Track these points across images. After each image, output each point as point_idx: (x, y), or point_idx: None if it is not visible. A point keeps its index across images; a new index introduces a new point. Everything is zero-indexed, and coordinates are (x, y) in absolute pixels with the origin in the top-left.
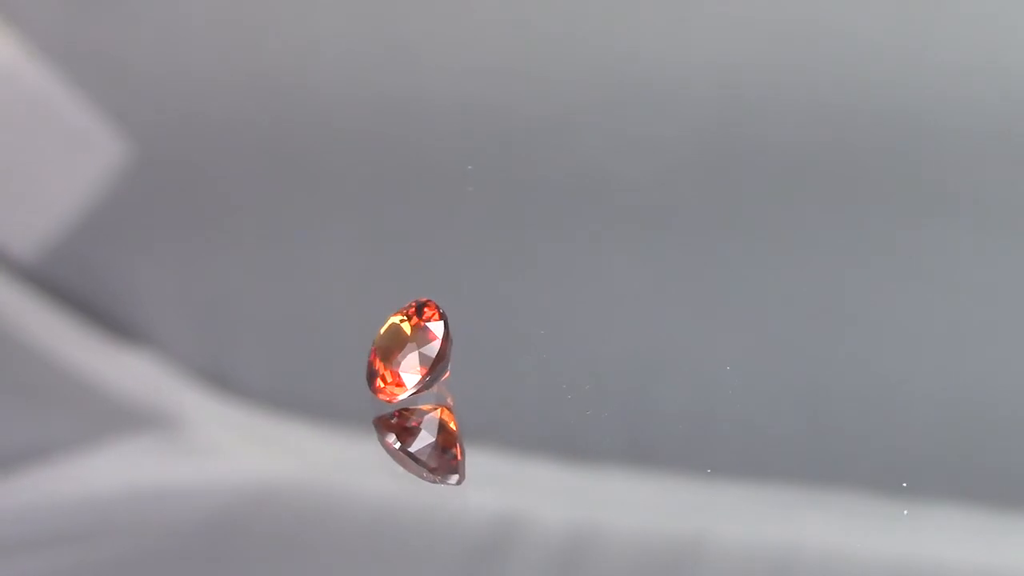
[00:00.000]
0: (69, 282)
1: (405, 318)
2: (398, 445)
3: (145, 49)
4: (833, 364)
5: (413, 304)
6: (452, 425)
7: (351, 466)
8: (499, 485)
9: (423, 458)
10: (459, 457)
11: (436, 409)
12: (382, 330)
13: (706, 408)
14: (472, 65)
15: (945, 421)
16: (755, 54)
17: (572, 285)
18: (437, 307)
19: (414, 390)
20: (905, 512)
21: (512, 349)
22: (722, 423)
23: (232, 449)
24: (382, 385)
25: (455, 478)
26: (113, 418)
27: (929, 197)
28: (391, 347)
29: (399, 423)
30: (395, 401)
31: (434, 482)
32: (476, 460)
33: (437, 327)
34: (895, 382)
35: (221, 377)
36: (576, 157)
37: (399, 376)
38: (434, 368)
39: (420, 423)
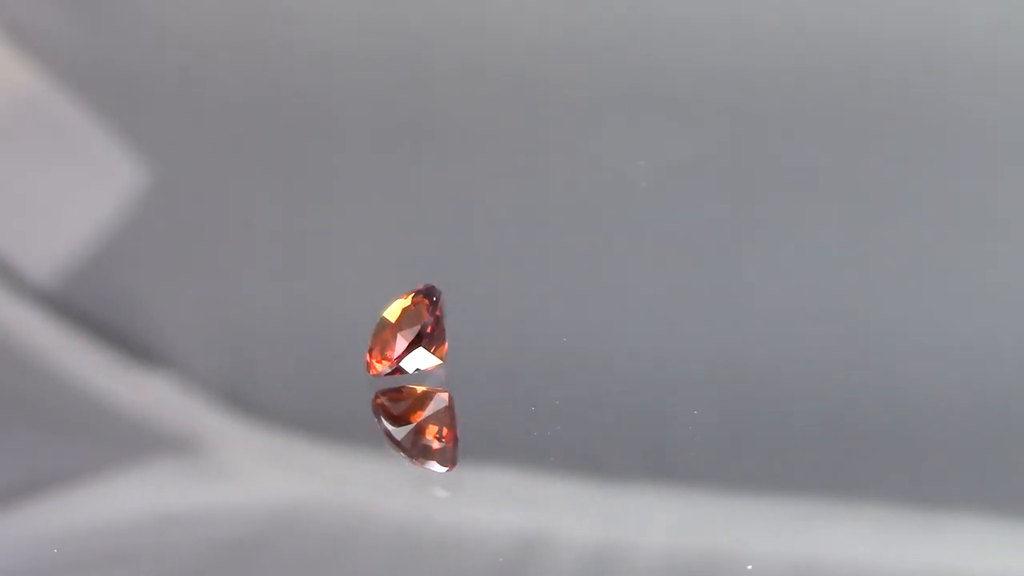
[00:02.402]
0: (89, 307)
1: (407, 298)
2: (385, 427)
3: (163, 76)
4: (855, 376)
5: (418, 287)
6: (448, 411)
7: (373, 485)
8: (523, 503)
9: (402, 442)
10: (450, 445)
11: (434, 393)
12: (388, 308)
13: (728, 422)
14: (485, 63)
15: (968, 431)
16: (770, 25)
17: (591, 295)
18: (435, 292)
19: (391, 367)
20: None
21: (533, 367)
22: (744, 437)
23: (254, 471)
24: (369, 359)
25: (439, 466)
26: (135, 442)
27: (952, 203)
28: (385, 324)
29: (393, 402)
30: (378, 375)
31: (418, 466)
32: (499, 479)
33: (429, 309)
34: (918, 393)
35: (242, 399)
36: (591, 153)
37: (380, 352)
38: (412, 348)
39: (412, 406)
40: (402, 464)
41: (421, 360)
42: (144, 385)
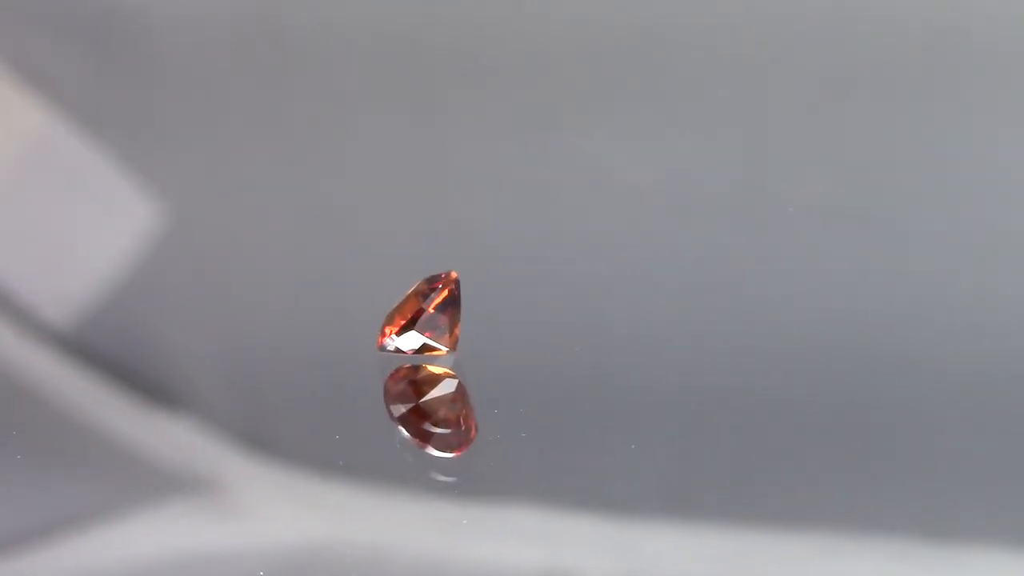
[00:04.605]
0: (106, 348)
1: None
2: (388, 406)
3: (178, 114)
4: (873, 405)
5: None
6: (454, 397)
7: (393, 525)
8: (540, 540)
9: (400, 421)
10: (454, 431)
11: (443, 377)
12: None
13: (745, 454)
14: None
15: (993, 458)
16: None
17: (606, 320)
18: (448, 279)
19: (392, 344)
20: None
21: (551, 399)
22: (762, 469)
23: (273, 511)
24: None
25: (438, 452)
26: (152, 483)
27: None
28: (401, 302)
29: (400, 382)
30: (379, 346)
31: (420, 449)
32: (517, 516)
33: (437, 293)
34: (940, 420)
35: (260, 439)
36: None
37: (384, 328)
38: (406, 328)
39: (417, 387)
40: (408, 455)
41: (413, 342)
42: (162, 425)
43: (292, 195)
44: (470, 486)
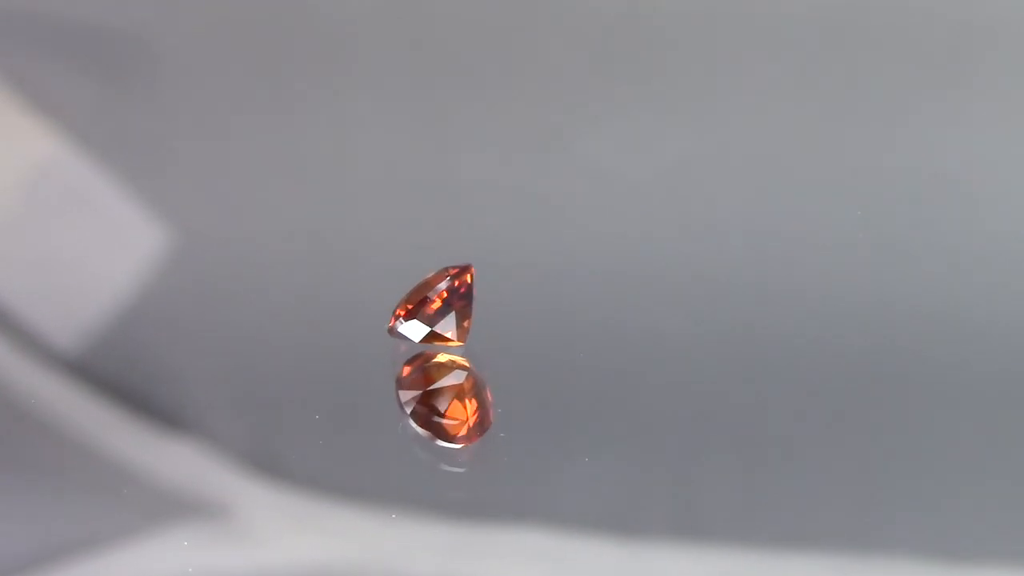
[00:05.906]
0: (115, 372)
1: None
2: (397, 393)
3: (183, 136)
4: (882, 427)
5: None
6: (463, 388)
7: (402, 550)
8: (548, 562)
9: (406, 408)
10: (460, 422)
11: (453, 367)
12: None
13: (752, 477)
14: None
15: (1000, 481)
16: None
17: (614, 322)
18: (461, 270)
19: (400, 323)
20: None
21: (559, 419)
22: (772, 492)
23: (282, 535)
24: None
25: (443, 442)
26: (162, 508)
27: None
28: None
29: (410, 370)
30: (391, 326)
31: (427, 438)
32: (524, 538)
33: (446, 284)
34: (941, 441)
35: (270, 463)
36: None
37: (396, 310)
38: (411, 316)
39: (426, 376)
40: (417, 451)
41: (418, 331)
42: (171, 450)
43: (299, 217)
44: (478, 505)
